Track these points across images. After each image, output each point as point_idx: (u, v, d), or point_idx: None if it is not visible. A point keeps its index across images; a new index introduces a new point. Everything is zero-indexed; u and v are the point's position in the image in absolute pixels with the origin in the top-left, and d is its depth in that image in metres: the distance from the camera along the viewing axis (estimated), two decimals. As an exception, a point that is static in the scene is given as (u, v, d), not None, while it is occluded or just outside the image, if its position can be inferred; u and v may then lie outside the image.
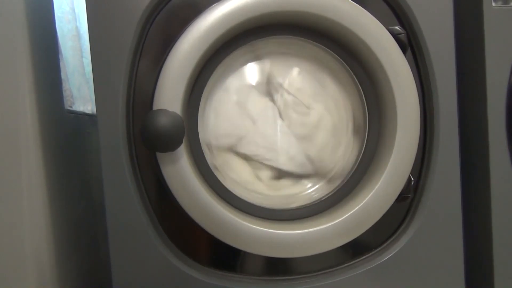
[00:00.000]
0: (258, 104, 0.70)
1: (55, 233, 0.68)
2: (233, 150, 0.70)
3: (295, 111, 0.70)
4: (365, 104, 0.70)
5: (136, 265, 0.65)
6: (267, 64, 0.71)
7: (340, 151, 0.72)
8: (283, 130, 0.70)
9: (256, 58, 0.70)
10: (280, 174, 0.71)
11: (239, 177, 0.70)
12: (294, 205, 0.70)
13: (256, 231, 0.64)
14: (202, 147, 0.67)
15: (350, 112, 0.72)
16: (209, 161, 0.67)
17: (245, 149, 0.70)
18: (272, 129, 0.70)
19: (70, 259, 0.74)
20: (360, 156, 0.70)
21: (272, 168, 0.71)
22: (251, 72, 0.70)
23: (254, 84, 0.70)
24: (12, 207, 0.60)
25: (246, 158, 0.70)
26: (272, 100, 0.70)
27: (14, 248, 0.61)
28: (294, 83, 0.71)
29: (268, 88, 0.70)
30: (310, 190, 0.72)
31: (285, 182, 0.71)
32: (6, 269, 0.60)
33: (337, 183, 0.71)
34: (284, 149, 0.70)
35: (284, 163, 0.71)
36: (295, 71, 0.71)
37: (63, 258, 0.71)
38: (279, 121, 0.70)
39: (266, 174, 0.71)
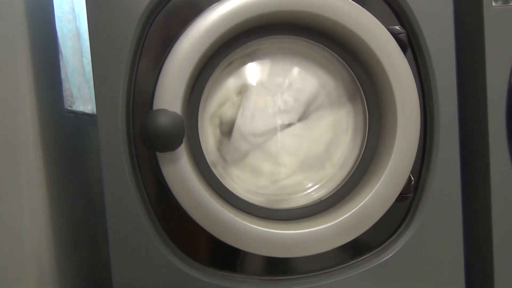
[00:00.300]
0: (254, 107, 0.70)
1: (55, 233, 0.68)
2: (258, 151, 0.70)
3: (293, 110, 0.70)
4: (366, 104, 0.70)
5: (136, 265, 0.65)
6: (267, 64, 0.71)
7: (343, 138, 0.72)
8: (284, 130, 0.71)
9: (255, 58, 0.70)
10: (293, 171, 0.71)
11: (262, 179, 0.71)
12: (316, 196, 0.70)
13: (256, 231, 0.64)
14: (210, 162, 0.67)
15: (336, 79, 0.71)
16: (215, 171, 0.68)
17: (253, 160, 0.70)
18: (273, 130, 0.70)
19: (70, 259, 0.74)
20: (360, 156, 0.70)
21: (284, 168, 0.71)
22: (243, 76, 0.70)
23: (254, 84, 0.70)
24: (12, 207, 0.60)
25: (270, 154, 0.70)
26: (266, 101, 0.70)
27: (14, 248, 0.61)
28: (294, 83, 0.71)
29: (261, 90, 0.70)
30: (311, 190, 0.72)
31: (299, 176, 0.72)
32: (6, 269, 0.60)
33: (348, 168, 0.71)
34: (292, 149, 0.71)
35: (294, 162, 0.71)
36: (295, 70, 0.71)
37: (63, 258, 0.71)
38: (279, 121, 0.71)
39: (278, 176, 0.71)
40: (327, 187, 0.71)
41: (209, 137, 0.70)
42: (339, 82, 0.71)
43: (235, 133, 0.69)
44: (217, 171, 0.69)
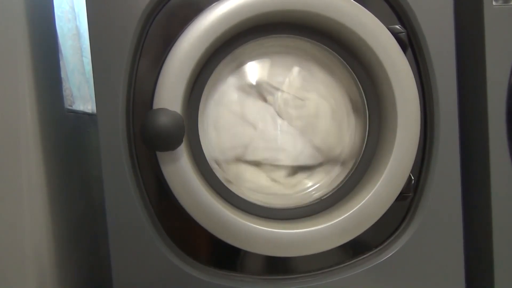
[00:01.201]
0: (254, 108, 0.70)
1: (55, 232, 0.68)
2: (242, 160, 0.70)
3: (291, 107, 0.70)
4: (366, 103, 0.70)
5: (137, 264, 0.65)
6: (267, 63, 0.71)
7: (343, 131, 0.71)
8: (284, 128, 0.70)
9: (252, 59, 0.70)
10: (294, 170, 0.71)
11: (255, 184, 0.71)
12: (316, 195, 0.70)
13: (256, 230, 0.64)
14: (210, 163, 0.67)
15: (346, 94, 0.71)
16: (220, 177, 0.67)
17: (253, 156, 0.70)
18: (274, 129, 0.70)
19: (70, 258, 0.74)
20: (361, 155, 0.70)
21: (284, 167, 0.71)
22: (243, 76, 0.70)
23: (247, 89, 0.70)
24: (12, 207, 0.60)
25: (257, 164, 0.70)
26: (266, 101, 0.70)
27: (14, 248, 0.60)
28: (293, 82, 0.71)
29: (260, 90, 0.70)
30: (311, 189, 0.72)
31: (300, 176, 0.71)
32: (6, 269, 0.60)
33: (350, 164, 0.71)
34: (291, 145, 0.70)
35: (294, 159, 0.71)
36: (295, 70, 0.71)
37: (63, 258, 0.71)
38: (279, 121, 0.70)
39: (279, 174, 0.71)
40: (342, 171, 0.71)
41: (211, 136, 0.70)
42: (338, 79, 0.71)
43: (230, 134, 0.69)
44: (219, 175, 0.69)
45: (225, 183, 0.67)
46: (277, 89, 0.70)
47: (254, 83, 0.70)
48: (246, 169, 0.70)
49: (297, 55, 0.71)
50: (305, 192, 0.72)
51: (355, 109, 0.71)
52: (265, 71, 0.71)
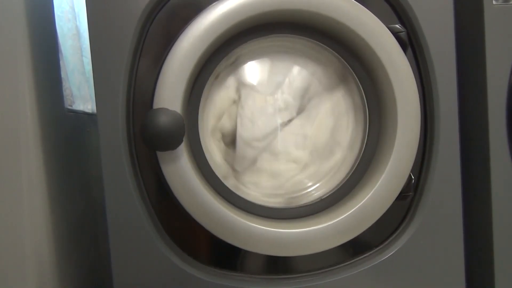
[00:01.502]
0: (252, 113, 0.70)
1: (56, 232, 0.68)
2: (253, 167, 0.70)
3: (291, 106, 0.70)
4: (366, 102, 0.70)
5: (137, 264, 0.65)
6: (267, 63, 0.71)
7: (342, 134, 0.72)
8: (286, 127, 0.71)
9: (254, 58, 0.70)
10: (305, 165, 0.71)
11: (274, 176, 0.71)
12: (317, 194, 0.70)
13: (256, 229, 0.64)
14: (223, 178, 0.68)
15: (338, 78, 0.71)
16: (234, 187, 0.68)
17: (262, 161, 0.70)
18: (275, 130, 0.70)
19: (70, 258, 0.74)
20: (361, 154, 0.70)
21: (295, 163, 0.71)
22: (242, 77, 0.70)
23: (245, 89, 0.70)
24: (12, 206, 0.60)
25: (277, 154, 0.70)
26: (265, 101, 0.70)
27: (14, 247, 0.60)
28: (293, 82, 0.71)
29: (258, 91, 0.70)
30: (311, 189, 0.72)
31: (312, 168, 0.72)
32: (6, 268, 0.60)
33: (358, 146, 0.71)
34: (296, 143, 0.71)
35: (302, 155, 0.71)
36: (295, 70, 0.71)
37: (63, 258, 0.71)
38: (279, 120, 0.70)
39: (291, 170, 0.71)
40: (328, 186, 0.71)
41: (214, 152, 0.70)
42: (330, 68, 0.71)
43: (238, 142, 0.69)
44: (230, 183, 0.69)
45: (240, 194, 0.68)
46: (273, 89, 0.70)
47: (252, 84, 0.70)
48: (259, 175, 0.70)
49: (296, 55, 0.71)
50: (305, 191, 0.72)
51: (349, 92, 0.71)
52: (265, 71, 0.71)
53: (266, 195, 0.71)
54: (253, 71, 0.71)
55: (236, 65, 0.70)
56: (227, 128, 0.70)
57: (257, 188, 0.71)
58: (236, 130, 0.70)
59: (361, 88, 0.70)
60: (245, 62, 0.70)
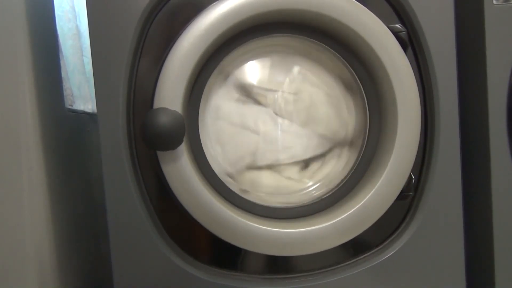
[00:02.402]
0: (252, 113, 0.70)
1: (56, 232, 0.68)
2: (254, 167, 0.70)
3: (287, 104, 0.70)
4: (366, 102, 0.70)
5: (137, 263, 0.65)
6: (268, 62, 0.71)
7: (343, 114, 0.72)
8: (286, 126, 0.71)
9: (252, 58, 0.70)
10: (306, 163, 0.71)
11: (273, 187, 0.71)
12: (317, 194, 0.70)
13: (257, 229, 0.64)
14: (222, 178, 0.68)
15: (338, 77, 0.71)
16: (235, 188, 0.68)
17: (264, 160, 0.70)
18: (276, 130, 0.70)
19: (71, 258, 0.74)
20: (361, 154, 0.70)
21: (296, 162, 0.71)
22: (237, 81, 0.70)
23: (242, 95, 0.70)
24: (12, 206, 0.60)
25: (269, 167, 0.70)
26: (261, 104, 0.70)
27: (15, 247, 0.61)
28: (292, 81, 0.71)
29: (254, 94, 0.70)
30: (311, 188, 0.72)
31: (314, 167, 0.72)
32: (7, 268, 0.60)
33: (358, 145, 0.71)
34: (297, 141, 0.70)
35: (304, 153, 0.71)
36: (295, 70, 0.71)
37: (64, 258, 0.71)
38: (279, 120, 0.70)
39: (294, 170, 0.71)
40: (328, 186, 0.71)
41: (218, 157, 0.70)
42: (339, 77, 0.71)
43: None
44: (231, 181, 0.70)
45: (240, 194, 0.68)
46: (272, 90, 0.70)
47: (247, 86, 0.70)
48: (260, 175, 0.70)
49: (295, 55, 0.71)
50: (305, 191, 0.72)
51: (349, 89, 0.71)
52: (265, 72, 0.71)
53: (267, 194, 0.71)
54: (244, 75, 0.70)
55: (225, 75, 0.70)
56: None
57: (256, 187, 0.71)
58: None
59: (362, 88, 0.70)
60: (235, 68, 0.70)
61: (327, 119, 0.72)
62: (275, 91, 0.70)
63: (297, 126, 0.71)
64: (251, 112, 0.70)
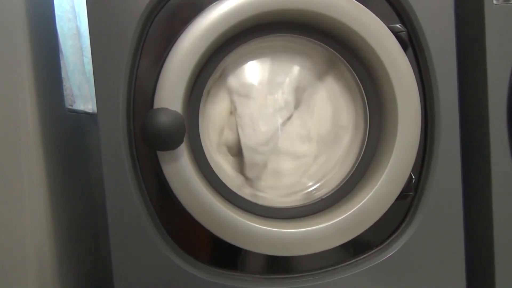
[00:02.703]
0: (252, 114, 0.70)
1: (56, 232, 0.69)
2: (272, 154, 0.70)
3: (288, 104, 0.70)
4: (366, 102, 0.70)
5: (137, 263, 0.65)
6: (268, 63, 0.71)
7: (343, 112, 0.72)
8: (286, 126, 0.71)
9: (255, 57, 0.70)
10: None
11: (270, 187, 0.71)
12: (317, 194, 0.70)
13: (257, 229, 0.64)
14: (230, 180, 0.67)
15: (335, 75, 0.71)
16: (248, 193, 0.69)
17: (264, 159, 0.70)
18: (276, 130, 0.70)
19: (71, 258, 0.74)
20: (361, 154, 0.70)
21: (296, 161, 0.71)
22: (252, 73, 0.70)
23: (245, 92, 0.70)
24: (12, 206, 0.60)
25: (285, 153, 0.70)
26: (259, 103, 0.70)
27: (15, 247, 0.61)
28: (292, 81, 0.71)
29: (252, 94, 0.70)
30: (312, 188, 0.72)
31: (313, 167, 0.72)
32: (7, 268, 0.60)
33: (359, 144, 0.71)
34: (296, 141, 0.71)
35: (304, 152, 0.71)
36: (295, 69, 0.71)
37: (64, 258, 0.71)
38: (279, 120, 0.70)
39: (292, 168, 0.71)
40: (328, 186, 0.71)
41: (224, 166, 0.70)
42: (316, 57, 0.71)
43: (245, 151, 0.69)
44: (246, 192, 0.70)
45: (239, 194, 0.68)
46: (272, 90, 0.70)
47: (246, 90, 0.70)
48: (277, 162, 0.70)
49: (295, 54, 0.71)
50: (306, 191, 0.72)
51: (349, 89, 0.71)
52: (266, 71, 0.71)
53: (284, 195, 0.71)
54: (244, 76, 0.70)
55: (224, 77, 0.70)
56: (231, 140, 0.70)
57: (274, 190, 0.71)
58: (240, 140, 0.70)
59: (362, 88, 0.70)
60: (233, 70, 0.70)
61: (327, 119, 0.72)
62: (275, 91, 0.70)
63: (297, 126, 0.71)
64: (251, 112, 0.70)
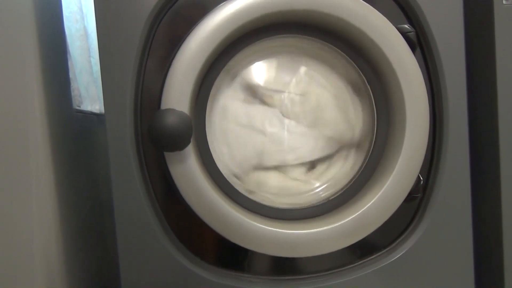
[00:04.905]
0: (259, 113, 0.70)
1: (64, 231, 0.69)
2: (261, 168, 0.70)
3: (295, 105, 0.70)
4: (374, 102, 0.70)
5: (144, 263, 0.65)
6: (275, 63, 0.71)
7: (350, 114, 0.71)
8: (293, 127, 0.70)
9: (261, 59, 0.70)
10: (312, 164, 0.71)
11: (279, 188, 0.71)
12: (324, 195, 0.70)
13: (264, 230, 0.64)
14: (229, 178, 0.67)
15: (345, 78, 0.71)
16: (241, 189, 0.68)
17: (270, 161, 0.70)
18: (283, 131, 0.70)
19: (78, 257, 0.74)
20: (369, 155, 0.70)
21: (303, 163, 0.71)
22: (244, 81, 0.70)
23: (249, 95, 0.70)
24: (21, 206, 0.61)
25: (276, 168, 0.70)
26: (268, 104, 0.70)
27: (23, 246, 0.61)
28: (299, 82, 0.71)
29: (261, 94, 0.70)
30: (319, 189, 0.72)
31: (321, 168, 0.71)
32: (15, 268, 0.61)
33: (366, 147, 0.70)
34: (303, 142, 0.70)
35: (311, 154, 0.71)
36: (301, 71, 0.71)
37: (71, 257, 0.71)
38: (286, 121, 0.70)
39: (300, 171, 0.71)
40: (360, 155, 0.71)
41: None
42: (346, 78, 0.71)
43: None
44: (254, 193, 0.70)
45: (247, 194, 0.68)
46: (279, 91, 0.70)
47: (254, 87, 0.70)
48: (266, 175, 0.70)
49: (302, 55, 0.71)
50: (313, 192, 0.72)
51: (357, 90, 0.71)
52: (272, 72, 0.71)
53: (291, 196, 0.71)
54: (251, 76, 0.70)
55: (231, 77, 0.70)
56: None
57: (280, 191, 0.71)
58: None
59: (369, 88, 0.70)
60: (240, 70, 0.70)
61: (334, 121, 0.71)
62: (282, 92, 0.70)
63: (304, 127, 0.71)
64: (257, 113, 0.70)
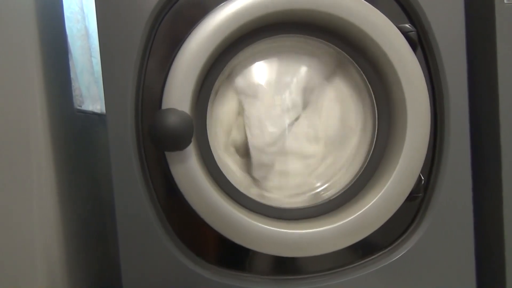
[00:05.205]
0: (260, 114, 0.70)
1: (65, 231, 0.69)
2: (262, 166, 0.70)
3: (296, 105, 0.70)
4: (375, 102, 0.70)
5: (146, 263, 0.66)
6: (276, 63, 0.71)
7: (351, 113, 0.71)
8: (293, 127, 0.70)
9: (263, 58, 0.70)
10: (313, 163, 0.72)
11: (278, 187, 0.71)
12: (325, 195, 0.70)
13: (265, 230, 0.64)
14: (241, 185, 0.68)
15: (344, 76, 0.71)
16: (243, 188, 0.68)
17: (270, 160, 0.70)
18: (283, 131, 0.70)
19: (79, 257, 0.74)
20: (370, 155, 0.70)
21: (303, 162, 0.71)
22: (260, 73, 0.70)
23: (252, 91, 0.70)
24: (22, 206, 0.61)
25: (292, 153, 0.70)
26: (267, 104, 0.70)
27: (24, 247, 0.61)
28: (300, 82, 0.71)
29: (259, 94, 0.70)
30: (320, 189, 0.72)
31: (321, 167, 0.72)
32: (16, 268, 0.61)
33: (367, 146, 0.71)
34: (304, 142, 0.70)
35: (312, 153, 0.71)
36: (303, 70, 0.71)
37: (72, 257, 0.71)
38: (287, 121, 0.70)
39: (300, 168, 0.71)
40: (336, 187, 0.71)
41: (232, 166, 0.70)
42: (324, 57, 0.71)
43: (252, 151, 0.69)
44: (253, 192, 0.70)
45: (247, 194, 0.67)
46: (280, 90, 0.70)
47: (253, 91, 0.70)
48: (268, 173, 0.70)
49: (303, 55, 0.71)
50: (314, 192, 0.72)
51: (358, 89, 0.71)
52: (273, 71, 0.71)
53: (291, 196, 0.71)
54: (252, 76, 0.70)
55: (231, 78, 0.70)
56: (239, 141, 0.70)
57: (281, 191, 0.71)
58: (248, 141, 0.70)
59: (370, 88, 0.70)
60: (241, 70, 0.70)
61: (335, 120, 0.71)
62: (283, 91, 0.70)
63: (305, 127, 0.71)
64: (258, 113, 0.70)
